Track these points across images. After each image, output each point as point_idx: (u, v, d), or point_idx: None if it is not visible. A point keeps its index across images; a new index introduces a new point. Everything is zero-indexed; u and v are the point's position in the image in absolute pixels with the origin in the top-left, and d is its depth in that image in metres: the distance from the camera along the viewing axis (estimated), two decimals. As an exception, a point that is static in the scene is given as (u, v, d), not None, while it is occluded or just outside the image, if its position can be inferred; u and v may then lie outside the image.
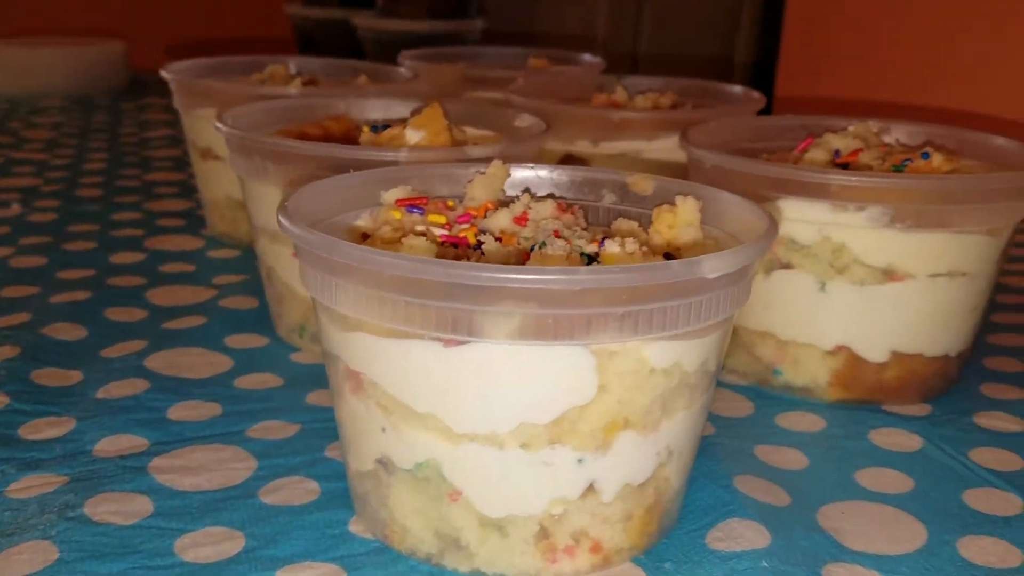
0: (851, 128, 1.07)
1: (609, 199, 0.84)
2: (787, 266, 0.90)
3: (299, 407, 0.90)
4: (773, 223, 0.67)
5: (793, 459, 0.83)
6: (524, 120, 1.08)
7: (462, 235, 0.73)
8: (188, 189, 1.65)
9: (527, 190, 0.84)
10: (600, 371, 0.59)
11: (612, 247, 0.66)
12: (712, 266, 0.59)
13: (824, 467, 0.82)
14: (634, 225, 0.76)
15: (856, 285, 0.87)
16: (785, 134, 1.13)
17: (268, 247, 1.01)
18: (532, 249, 0.69)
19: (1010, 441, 0.86)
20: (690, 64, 1.93)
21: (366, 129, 1.03)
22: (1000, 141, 0.99)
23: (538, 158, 0.99)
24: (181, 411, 0.88)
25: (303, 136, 1.04)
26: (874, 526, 0.73)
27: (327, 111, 1.17)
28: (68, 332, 1.04)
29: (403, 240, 0.69)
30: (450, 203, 0.78)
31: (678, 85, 1.43)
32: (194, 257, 1.34)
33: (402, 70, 1.49)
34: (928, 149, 0.91)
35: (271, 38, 2.95)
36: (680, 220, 0.74)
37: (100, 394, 0.90)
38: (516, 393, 0.59)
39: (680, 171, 1.01)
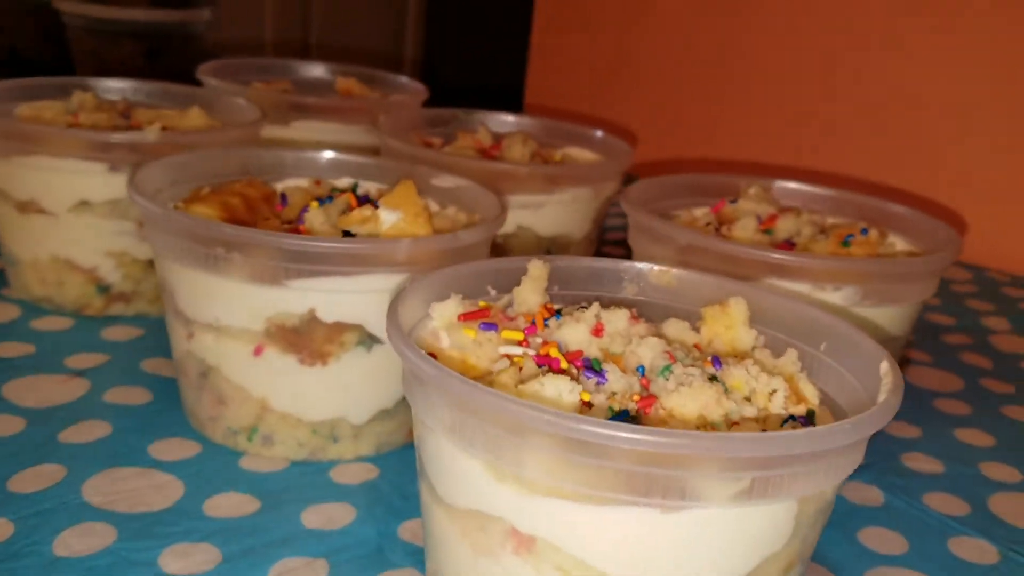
0: (751, 191, 1.16)
1: (631, 290, 0.84)
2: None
3: (311, 537, 0.80)
4: (879, 351, 0.70)
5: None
6: (466, 186, 1.03)
7: (544, 352, 0.69)
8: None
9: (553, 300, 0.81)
10: (798, 515, 0.60)
11: (758, 386, 0.66)
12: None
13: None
14: (686, 326, 0.77)
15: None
16: (682, 192, 1.19)
17: (213, 345, 0.88)
18: (641, 369, 0.68)
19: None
20: (360, 56, 1.95)
21: (315, 205, 0.93)
22: (896, 208, 1.12)
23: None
24: (176, 562, 0.75)
25: (228, 210, 0.92)
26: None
27: (223, 165, 1.04)
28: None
29: (527, 381, 0.64)
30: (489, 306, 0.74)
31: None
32: (19, 331, 1.12)
33: (239, 101, 1.34)
34: (864, 225, 1.00)
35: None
36: (735, 322, 0.76)
37: (58, 550, 0.74)
38: (722, 551, 0.58)
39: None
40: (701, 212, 1.16)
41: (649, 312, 0.83)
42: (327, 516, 0.82)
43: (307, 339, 0.85)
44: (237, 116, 1.31)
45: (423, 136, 1.43)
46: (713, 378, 0.66)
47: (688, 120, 2.13)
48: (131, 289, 1.18)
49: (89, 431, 0.91)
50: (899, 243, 1.12)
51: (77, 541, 0.75)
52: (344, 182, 1.11)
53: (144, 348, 1.11)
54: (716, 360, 0.68)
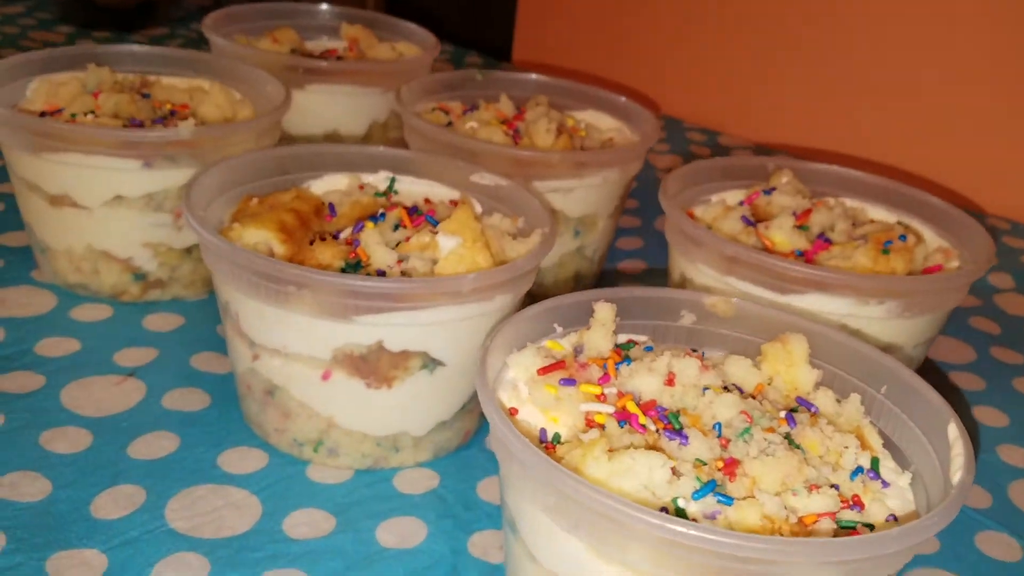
0: (783, 180, 1.18)
1: (688, 320, 0.87)
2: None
3: (390, 559, 0.84)
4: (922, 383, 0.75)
5: None
6: (507, 186, 1.05)
7: (621, 406, 0.73)
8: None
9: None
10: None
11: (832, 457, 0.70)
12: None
13: None
14: (748, 364, 0.81)
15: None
16: (713, 177, 1.21)
17: (280, 368, 0.90)
18: (717, 426, 0.72)
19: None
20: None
21: (370, 226, 0.94)
22: (933, 200, 1.15)
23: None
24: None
25: (284, 228, 0.93)
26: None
27: (264, 166, 1.05)
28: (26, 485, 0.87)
29: (616, 450, 0.67)
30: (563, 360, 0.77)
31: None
32: (60, 323, 1.14)
33: (260, 73, 1.32)
34: (902, 231, 1.04)
35: None
36: (796, 360, 0.80)
37: (156, 593, 0.78)
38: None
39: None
40: (733, 199, 1.19)
41: (707, 340, 0.87)
42: (400, 533, 0.87)
43: (374, 365, 0.88)
44: (258, 89, 1.30)
45: (441, 102, 1.42)
46: (788, 437, 0.70)
47: (680, 78, 2.12)
48: (167, 276, 1.19)
49: (157, 444, 0.94)
50: (925, 232, 1.15)
51: (174, 575, 0.79)
52: (381, 176, 1.12)
53: (189, 340, 1.13)
54: (790, 418, 0.73)
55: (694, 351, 0.85)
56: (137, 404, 1.00)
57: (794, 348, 0.80)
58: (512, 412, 0.74)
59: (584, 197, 1.25)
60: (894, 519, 0.68)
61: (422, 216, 0.98)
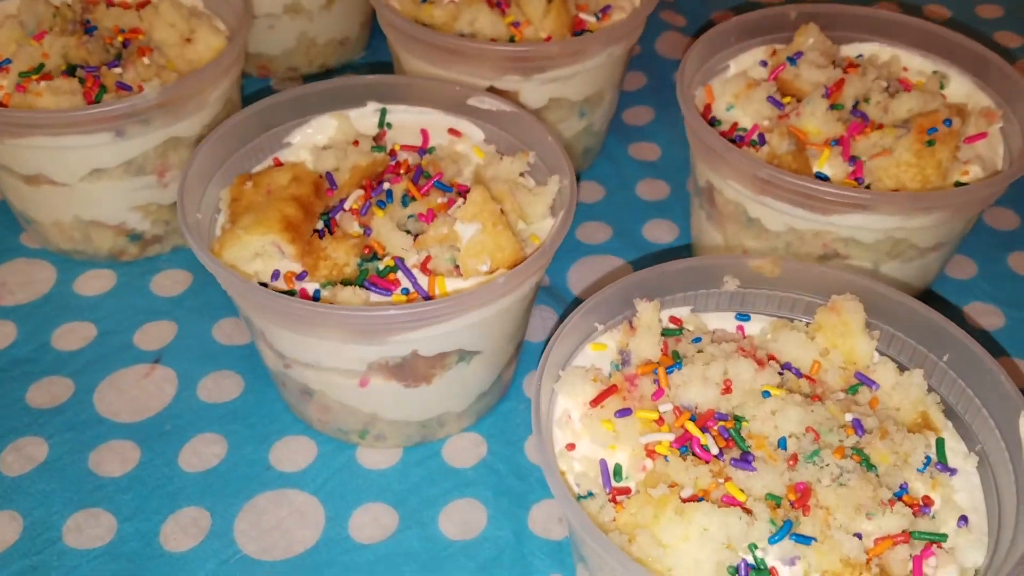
0: (810, 41, 1.08)
1: (732, 285, 0.83)
2: (844, 256, 0.95)
3: (460, 555, 0.86)
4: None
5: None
6: (509, 112, 0.97)
7: (680, 426, 0.72)
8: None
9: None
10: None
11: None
12: None
13: None
14: (801, 339, 0.78)
15: (906, 263, 0.96)
16: (729, 40, 1.11)
17: (315, 376, 0.88)
18: (782, 442, 0.71)
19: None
20: None
21: (379, 213, 0.87)
22: (973, 46, 1.06)
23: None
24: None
25: (289, 225, 0.86)
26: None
27: (247, 131, 0.96)
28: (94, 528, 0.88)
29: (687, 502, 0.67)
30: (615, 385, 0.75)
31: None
32: (66, 301, 1.09)
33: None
34: (947, 113, 0.95)
35: None
36: (852, 330, 0.77)
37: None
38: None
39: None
40: (753, 61, 1.10)
41: (753, 303, 0.84)
42: (462, 521, 0.89)
43: (411, 370, 0.85)
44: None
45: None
46: (857, 450, 0.69)
47: None
48: (163, 231, 1.13)
49: (206, 451, 0.94)
50: (964, 84, 1.07)
51: (261, 611, 0.82)
52: (371, 109, 1.02)
53: (204, 305, 1.09)
54: (857, 425, 0.71)
55: (741, 320, 0.83)
56: (173, 400, 0.99)
57: (849, 317, 0.77)
58: (569, 448, 0.73)
59: (587, 79, 1.15)
60: (964, 522, 0.69)
61: (430, 181, 0.90)
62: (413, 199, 0.89)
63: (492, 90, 1.12)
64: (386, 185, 0.90)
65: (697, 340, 0.78)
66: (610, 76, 1.19)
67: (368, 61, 1.48)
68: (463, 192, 0.91)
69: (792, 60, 1.06)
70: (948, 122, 0.94)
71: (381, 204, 0.88)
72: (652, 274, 0.80)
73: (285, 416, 0.97)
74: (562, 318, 0.94)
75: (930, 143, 0.93)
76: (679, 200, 1.25)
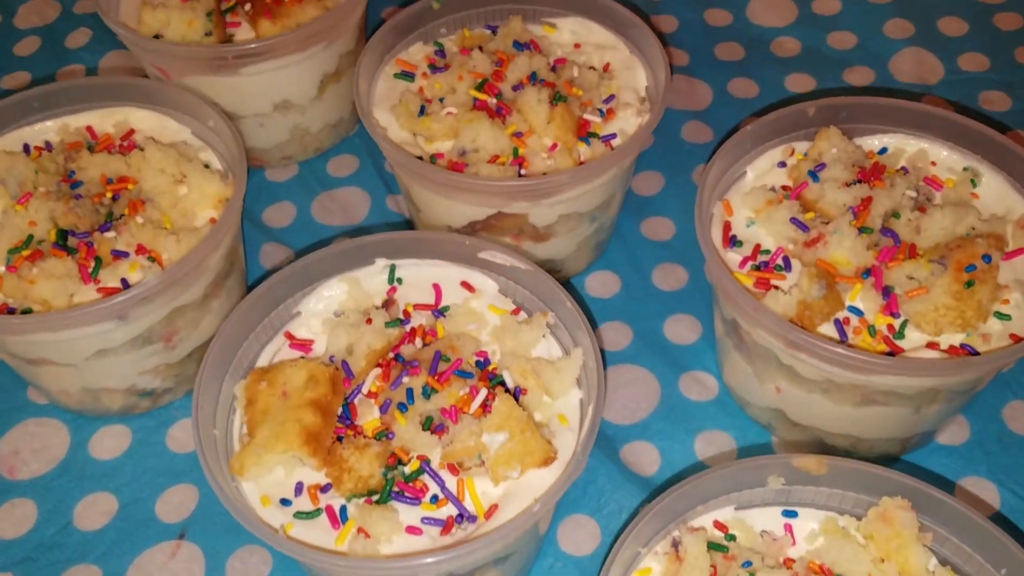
0: (832, 151, 1.03)
1: (776, 483, 0.81)
2: (883, 404, 0.92)
3: None
4: None
5: None
6: (522, 269, 0.93)
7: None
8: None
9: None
10: None
11: None
12: None
13: None
14: (853, 549, 0.76)
15: (947, 403, 0.93)
16: (745, 146, 1.05)
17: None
18: None
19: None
20: None
21: (401, 421, 0.84)
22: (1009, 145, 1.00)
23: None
24: None
25: (311, 439, 0.83)
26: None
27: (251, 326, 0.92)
28: None
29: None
30: None
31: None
32: (84, 471, 1.07)
33: (190, 99, 1.11)
34: (986, 249, 0.90)
35: None
36: (906, 541, 0.75)
37: None
38: None
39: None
40: (772, 171, 1.05)
41: (799, 500, 0.81)
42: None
43: (449, 580, 0.83)
44: (196, 117, 1.12)
45: (399, 56, 1.21)
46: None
47: None
48: (173, 383, 1.10)
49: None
50: (997, 182, 1.02)
51: None
52: (380, 266, 0.98)
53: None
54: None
55: (788, 517, 0.80)
56: (199, 584, 0.97)
57: (902, 528, 0.74)
58: None
59: (597, 193, 1.10)
60: None
61: (449, 369, 0.87)
62: (434, 391, 0.86)
63: (500, 215, 1.08)
64: (405, 380, 0.87)
65: (747, 564, 0.76)
66: (621, 183, 1.14)
67: (363, 135, 1.41)
68: (484, 376, 0.88)
69: (814, 175, 1.01)
70: (987, 258, 0.90)
71: (402, 407, 0.85)
72: (695, 487, 0.77)
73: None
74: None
75: (969, 283, 0.89)
76: (698, 288, 1.21)
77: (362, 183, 1.36)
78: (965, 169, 1.03)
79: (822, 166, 1.01)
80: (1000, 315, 0.91)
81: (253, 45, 1.18)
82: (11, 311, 0.97)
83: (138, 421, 1.10)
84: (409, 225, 1.27)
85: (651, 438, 1.07)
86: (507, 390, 0.86)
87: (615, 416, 1.09)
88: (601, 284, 1.23)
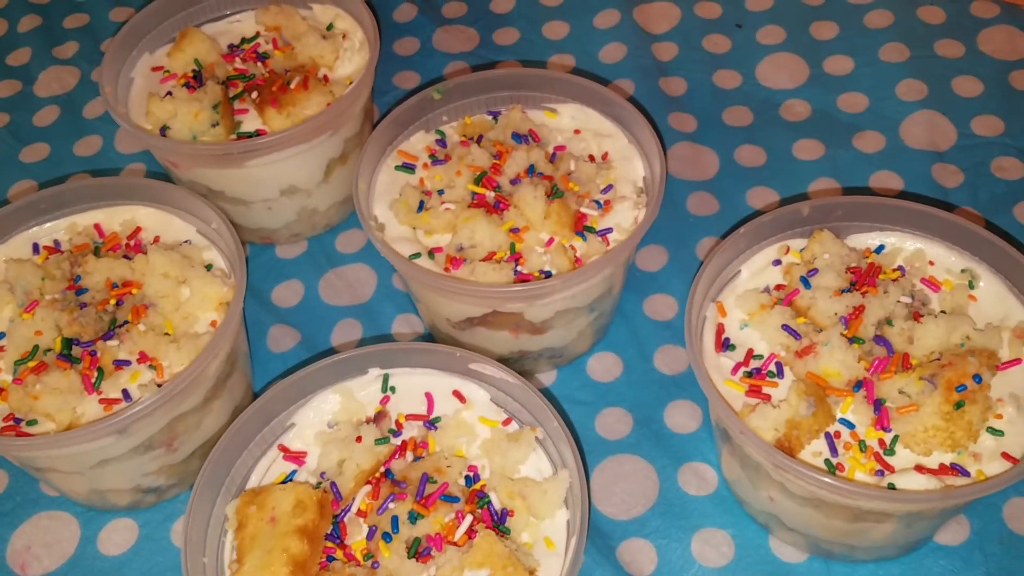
0: (825, 256, 1.02)
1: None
2: (875, 522, 0.92)
3: None
4: None
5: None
6: (513, 383, 0.93)
7: None
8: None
9: None
10: None
11: None
12: None
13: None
14: None
15: (934, 519, 0.92)
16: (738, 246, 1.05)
17: None
18: None
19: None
20: None
21: (386, 553, 0.85)
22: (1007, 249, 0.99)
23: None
24: None
25: (299, 568, 0.85)
26: None
27: (255, 427, 0.94)
28: None
29: None
30: None
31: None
32: (93, 567, 1.10)
33: (201, 207, 1.13)
34: (977, 368, 0.89)
35: None
36: None
37: None
38: None
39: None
40: (767, 269, 1.05)
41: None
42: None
43: None
44: (198, 216, 1.15)
45: (400, 148, 1.22)
46: None
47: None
48: (178, 479, 1.12)
49: None
50: (995, 285, 1.00)
51: None
52: (372, 376, 1.00)
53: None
54: None
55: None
56: None
57: None
58: None
59: (593, 289, 1.11)
60: None
61: (436, 492, 0.88)
62: (420, 516, 0.87)
63: (496, 312, 1.09)
64: (391, 506, 0.88)
65: None
66: (619, 276, 1.14)
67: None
68: (471, 497, 0.89)
69: (806, 281, 1.00)
70: (978, 378, 0.89)
71: (387, 536, 0.86)
72: None
73: None
74: None
75: (959, 404, 0.88)
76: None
77: (369, 260, 1.38)
78: (963, 271, 1.02)
79: (814, 271, 1.01)
80: (992, 430, 0.90)
81: (259, 141, 1.20)
82: (17, 421, 0.99)
83: (145, 515, 1.13)
84: (412, 304, 1.28)
85: (648, 535, 1.07)
86: (492, 513, 0.87)
87: (613, 511, 1.10)
88: (603, 367, 1.23)
